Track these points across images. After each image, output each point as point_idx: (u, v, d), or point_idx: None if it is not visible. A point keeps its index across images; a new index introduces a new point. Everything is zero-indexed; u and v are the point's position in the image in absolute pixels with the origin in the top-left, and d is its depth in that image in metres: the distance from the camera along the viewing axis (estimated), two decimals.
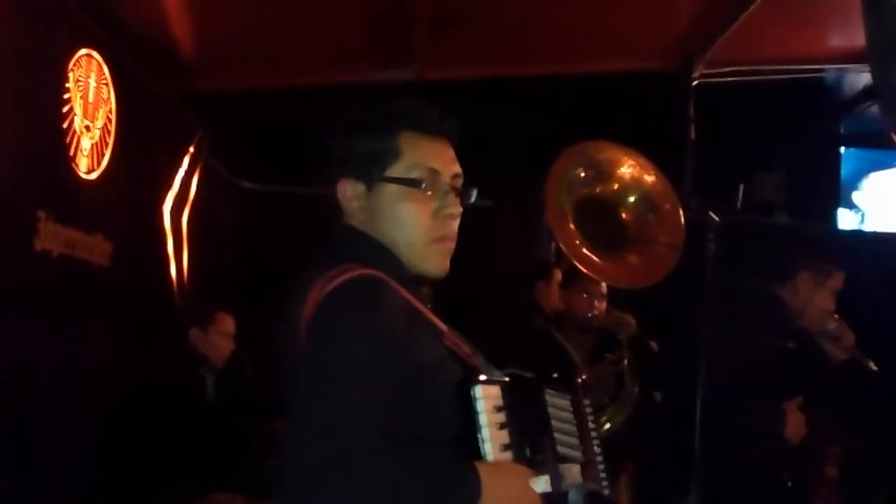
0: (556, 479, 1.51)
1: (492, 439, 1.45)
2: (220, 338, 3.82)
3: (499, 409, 1.48)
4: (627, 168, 3.08)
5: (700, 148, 4.31)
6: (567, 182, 3.01)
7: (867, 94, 4.82)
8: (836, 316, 3.02)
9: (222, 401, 3.79)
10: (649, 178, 3.07)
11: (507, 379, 1.52)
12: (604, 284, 3.36)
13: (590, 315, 3.38)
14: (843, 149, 5.64)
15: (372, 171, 1.57)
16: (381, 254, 1.55)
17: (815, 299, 2.96)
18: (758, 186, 5.19)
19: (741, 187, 4.47)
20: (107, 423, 3.52)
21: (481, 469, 1.41)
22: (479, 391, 1.45)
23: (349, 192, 1.58)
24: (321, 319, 1.42)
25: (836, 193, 5.63)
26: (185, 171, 4.72)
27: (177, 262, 4.63)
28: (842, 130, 5.63)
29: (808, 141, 5.40)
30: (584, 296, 3.40)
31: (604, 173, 3.06)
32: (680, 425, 2.53)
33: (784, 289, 2.97)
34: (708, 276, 2.55)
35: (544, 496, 1.47)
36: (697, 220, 2.76)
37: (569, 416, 1.65)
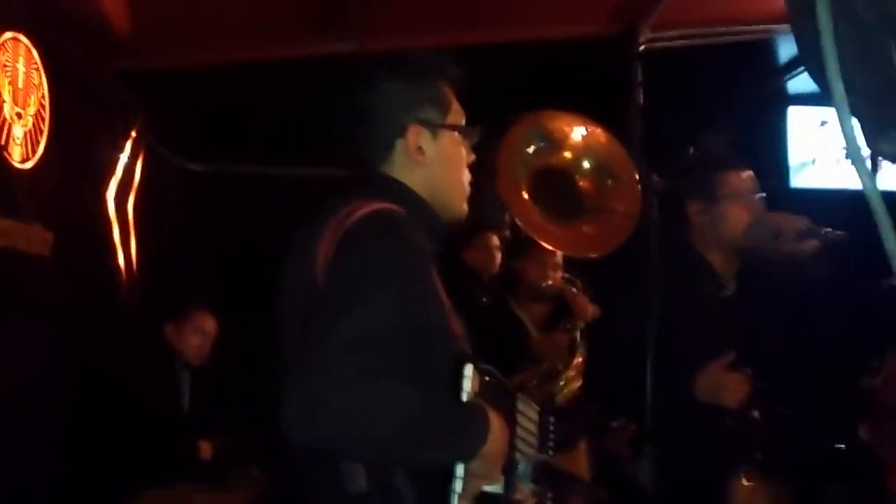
0: (508, 487, 1.53)
1: None
2: (197, 336, 3.71)
3: (476, 397, 1.48)
4: (581, 137, 3.08)
5: (647, 112, 4.30)
6: (520, 152, 3.00)
7: None
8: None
9: (199, 401, 3.70)
10: (604, 146, 3.07)
11: (489, 377, 1.54)
12: (559, 254, 3.37)
13: (544, 284, 3.39)
14: (790, 108, 5.68)
15: (437, 117, 1.65)
16: (415, 199, 1.61)
17: (730, 215, 2.56)
18: (706, 148, 5.20)
19: (690, 150, 4.48)
20: (48, 419, 3.43)
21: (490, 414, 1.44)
22: (469, 370, 1.45)
23: (418, 137, 1.63)
24: (347, 247, 1.43)
25: (785, 152, 5.67)
26: (129, 156, 4.61)
27: (124, 251, 4.53)
28: (789, 90, 5.66)
29: (755, 101, 5.42)
30: (539, 265, 3.40)
31: (557, 142, 3.06)
32: (632, 392, 2.53)
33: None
34: (652, 241, 2.54)
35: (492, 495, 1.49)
36: (643, 185, 2.74)
37: (533, 427, 1.67)
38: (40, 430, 3.37)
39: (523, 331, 3.36)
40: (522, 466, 1.58)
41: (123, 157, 4.55)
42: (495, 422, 1.44)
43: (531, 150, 3.03)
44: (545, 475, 1.58)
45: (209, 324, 3.79)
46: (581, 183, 3.06)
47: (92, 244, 4.20)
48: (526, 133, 3.04)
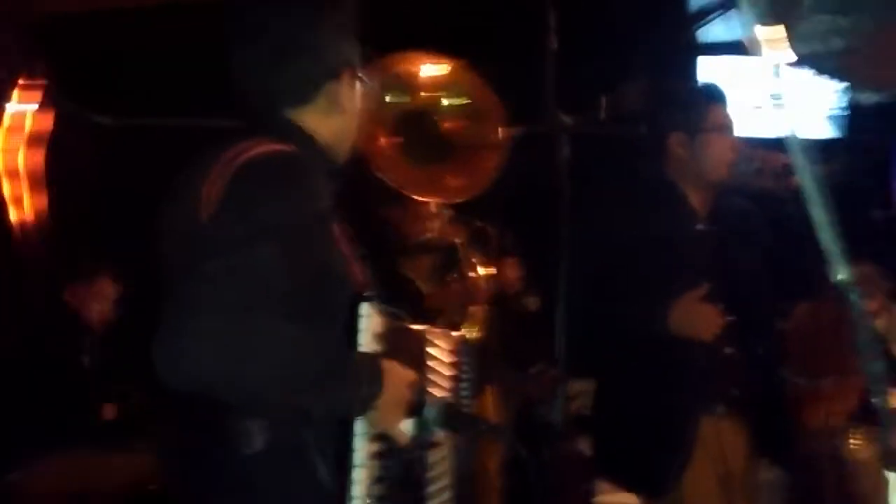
0: (422, 426, 1.49)
1: None
2: (98, 302, 3.56)
3: (379, 339, 1.43)
4: (434, 74, 2.93)
5: (560, 59, 4.27)
6: (377, 98, 2.86)
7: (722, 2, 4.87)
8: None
9: (101, 363, 3.56)
10: (461, 81, 2.93)
11: (397, 311, 1.51)
12: (433, 203, 3.19)
13: (423, 239, 3.22)
14: (700, 57, 5.72)
15: (358, 63, 1.59)
16: (314, 144, 1.54)
17: (715, 149, 2.50)
18: (620, 98, 5.22)
19: (604, 99, 4.48)
20: None
21: (383, 361, 1.39)
22: (365, 308, 1.40)
23: (349, 86, 1.56)
24: (236, 187, 1.35)
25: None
26: (19, 105, 4.37)
27: (19, 208, 4.32)
28: (699, 39, 5.71)
29: (666, 49, 5.45)
30: (412, 216, 3.20)
31: (410, 85, 2.88)
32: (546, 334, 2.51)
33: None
34: (563, 182, 2.50)
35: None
36: (550, 127, 2.70)
37: (445, 367, 1.64)
38: None
39: (411, 286, 3.19)
40: (431, 411, 1.53)
41: (12, 107, 4.31)
42: (393, 369, 1.40)
43: (388, 95, 2.88)
44: (455, 419, 1.55)
45: (110, 289, 3.67)
46: (444, 123, 2.89)
47: None
48: (380, 79, 2.89)
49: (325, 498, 1.34)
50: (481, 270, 3.23)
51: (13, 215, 4.26)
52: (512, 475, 3.56)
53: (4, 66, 4.28)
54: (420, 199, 3.03)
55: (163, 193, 1.52)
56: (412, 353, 1.56)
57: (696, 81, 5.74)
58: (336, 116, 1.56)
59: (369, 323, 1.40)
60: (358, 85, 1.60)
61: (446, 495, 1.59)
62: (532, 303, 4.00)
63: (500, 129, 2.81)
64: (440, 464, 1.58)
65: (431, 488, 1.54)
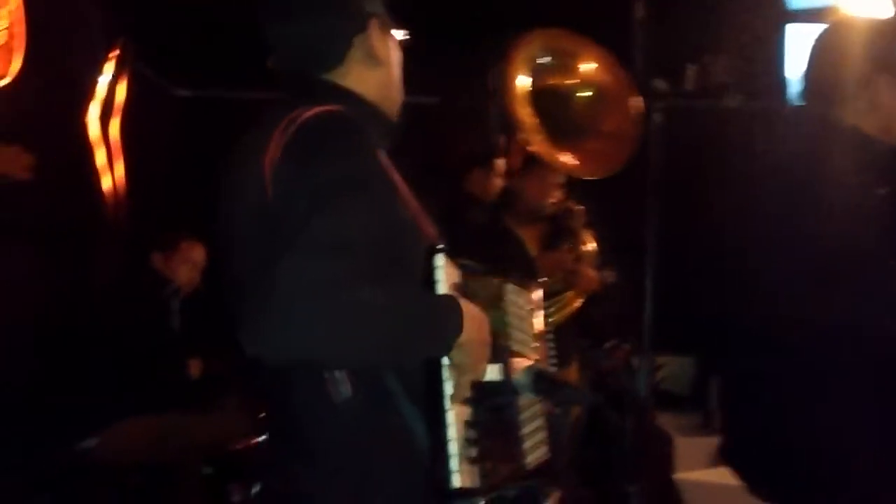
0: (506, 371, 1.46)
1: None
2: (186, 266, 3.63)
3: (456, 289, 1.41)
4: (585, 58, 3.03)
5: (649, 28, 4.18)
6: (525, 70, 2.94)
7: None
8: None
9: (189, 326, 3.64)
10: (607, 69, 3.02)
11: (470, 264, 1.47)
12: (560, 174, 3.30)
13: (543, 203, 3.32)
14: (788, 25, 5.53)
15: (384, 12, 1.56)
16: (365, 102, 1.50)
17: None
18: (708, 68, 5.07)
19: (692, 69, 4.36)
20: (33, 344, 3.38)
21: (462, 303, 1.36)
22: (440, 259, 1.37)
23: (376, 33, 1.53)
24: (296, 150, 1.33)
25: (783, 71, 5.54)
26: (111, 78, 4.46)
27: (111, 176, 4.43)
28: (787, 6, 5.52)
29: (753, 19, 5.27)
30: (539, 183, 3.33)
31: (561, 63, 3.01)
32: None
33: None
34: (654, 147, 2.45)
35: (489, 384, 1.41)
36: (644, 92, 2.66)
37: (526, 314, 1.60)
38: (26, 356, 3.32)
39: (522, 250, 3.29)
40: (522, 376, 1.50)
41: (105, 79, 4.41)
42: (471, 310, 1.37)
43: (536, 67, 2.98)
44: (548, 385, 1.51)
45: (198, 253, 3.72)
46: (584, 104, 3.01)
47: (74, 167, 4.09)
48: (535, 50, 2.98)
49: (415, 443, 1.34)
50: (590, 245, 3.27)
51: (104, 183, 4.36)
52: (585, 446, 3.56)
53: (96, 39, 4.37)
54: (550, 169, 3.11)
55: (221, 169, 1.51)
56: (491, 299, 1.53)
57: (782, 50, 5.57)
58: (374, 70, 1.53)
59: (444, 274, 1.38)
60: (390, 33, 1.57)
61: (540, 437, 1.55)
62: (608, 276, 3.97)
63: (632, 120, 2.84)
64: (532, 407, 1.55)
65: (525, 431, 1.51)
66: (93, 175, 4.28)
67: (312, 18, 1.48)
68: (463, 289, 1.42)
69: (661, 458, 3.78)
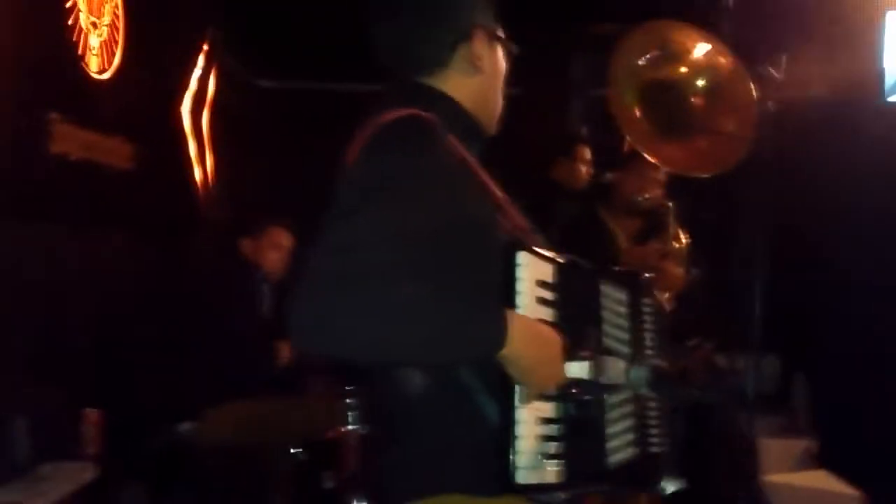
0: (595, 369, 1.42)
1: (528, 312, 1.34)
2: (275, 251, 3.71)
3: (545, 286, 1.38)
4: (698, 50, 2.93)
5: (736, 16, 4.08)
6: (632, 62, 2.88)
7: None
8: None
9: (278, 312, 3.69)
10: (724, 66, 2.92)
11: (562, 260, 1.42)
12: (661, 171, 3.24)
13: (640, 198, 3.27)
14: (889, 12, 5.30)
15: (493, 24, 1.56)
16: (457, 110, 1.51)
17: None
18: (797, 59, 4.91)
19: (783, 58, 4.25)
20: (130, 330, 3.48)
21: (514, 317, 1.30)
22: (522, 257, 1.34)
23: (481, 43, 1.53)
24: (367, 150, 1.35)
25: (881, 63, 5.33)
26: (201, 70, 4.58)
27: (202, 167, 4.55)
28: None
29: (850, 7, 5.08)
30: (638, 177, 3.27)
31: (674, 55, 2.91)
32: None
33: None
34: (766, 134, 2.38)
35: (577, 382, 1.38)
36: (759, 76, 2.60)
37: (623, 310, 1.55)
38: (122, 342, 3.43)
39: (613, 241, 3.25)
40: (639, 372, 1.47)
41: (196, 72, 4.53)
42: (530, 327, 1.32)
43: (644, 61, 2.90)
44: (664, 382, 1.49)
45: (286, 238, 3.78)
46: (693, 100, 2.93)
47: (170, 158, 4.22)
48: (640, 43, 2.91)
49: (491, 437, 1.31)
50: (682, 242, 3.21)
51: (196, 173, 4.48)
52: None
53: (189, 33, 4.48)
54: (650, 164, 3.05)
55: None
56: (586, 295, 1.49)
57: (881, 42, 5.36)
58: (474, 78, 1.53)
59: (527, 272, 1.34)
60: (497, 45, 1.56)
61: (628, 438, 1.52)
62: (694, 274, 3.91)
63: (746, 118, 2.75)
64: (620, 406, 1.51)
65: (611, 430, 1.47)
66: (186, 166, 4.41)
67: (418, 22, 1.50)
68: (555, 286, 1.39)
69: (745, 460, 3.71)
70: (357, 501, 2.90)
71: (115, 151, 3.43)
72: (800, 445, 4.17)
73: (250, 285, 3.59)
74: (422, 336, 1.23)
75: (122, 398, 3.26)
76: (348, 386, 3.62)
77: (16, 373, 2.09)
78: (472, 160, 1.46)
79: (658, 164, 3.05)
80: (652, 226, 3.30)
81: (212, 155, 4.66)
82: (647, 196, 3.22)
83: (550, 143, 4.36)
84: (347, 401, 3.44)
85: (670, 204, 3.22)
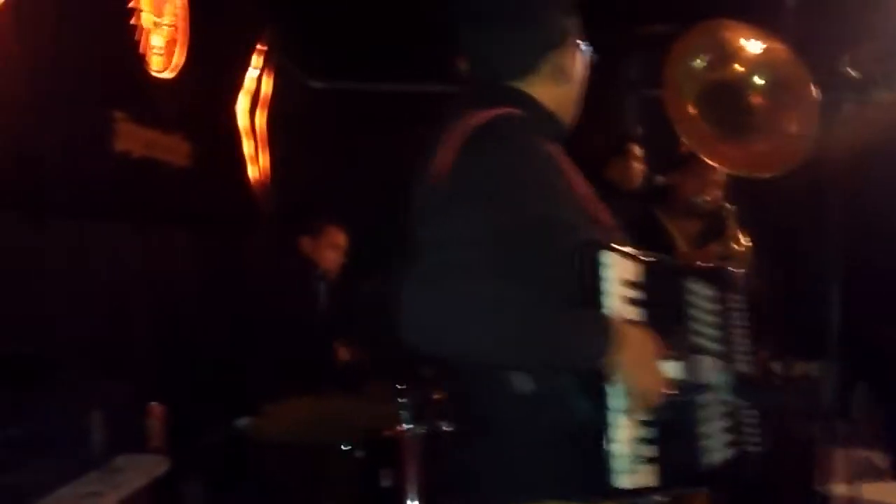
0: (687, 369, 1.41)
1: (615, 313, 1.33)
2: (332, 250, 3.75)
3: (631, 285, 1.37)
4: (757, 50, 2.88)
5: (798, 15, 4.01)
6: (688, 63, 2.85)
7: None
8: None
9: (334, 309, 3.72)
10: (782, 63, 2.87)
11: (647, 258, 1.42)
12: (720, 172, 3.19)
13: (700, 200, 3.22)
14: None
15: (580, 33, 1.59)
16: (544, 111, 1.53)
17: None
18: (859, 57, 4.81)
19: (846, 57, 4.16)
20: (189, 324, 3.52)
21: (619, 324, 1.32)
22: (606, 257, 1.33)
23: (572, 54, 1.56)
24: (467, 152, 1.36)
25: None
26: (258, 70, 4.62)
27: (257, 166, 4.59)
28: None
29: None
30: (697, 179, 3.22)
31: (729, 55, 2.87)
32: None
33: None
34: (840, 139, 2.32)
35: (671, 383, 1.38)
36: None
37: (711, 307, 1.53)
38: (183, 338, 3.47)
39: (672, 244, 3.20)
40: (721, 378, 1.45)
41: (253, 72, 4.57)
42: (632, 334, 1.32)
43: (701, 62, 2.87)
44: (748, 388, 1.46)
45: (341, 238, 3.82)
46: (753, 99, 2.88)
47: (226, 156, 4.26)
48: (696, 43, 2.88)
49: (588, 441, 1.31)
50: (744, 243, 3.16)
51: (251, 172, 4.52)
52: None
53: (246, 33, 4.52)
54: (709, 166, 3.02)
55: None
56: (672, 293, 1.47)
57: None
58: (560, 85, 1.55)
59: (613, 272, 1.34)
60: (580, 53, 1.58)
61: (722, 439, 1.49)
62: (756, 278, 3.84)
63: (811, 118, 2.69)
64: (713, 407, 1.49)
65: (703, 431, 1.46)
66: (242, 164, 4.45)
67: (512, 28, 1.51)
68: (642, 285, 1.38)
69: (805, 470, 3.62)
70: (413, 501, 2.90)
71: (174, 149, 3.47)
72: (861, 456, 4.08)
73: (309, 283, 3.61)
74: (530, 340, 1.27)
75: (183, 393, 3.30)
76: (403, 385, 3.64)
77: (88, 367, 2.12)
78: (565, 160, 1.48)
79: (716, 166, 3.00)
80: (711, 228, 3.25)
81: (266, 154, 4.69)
82: (706, 198, 3.17)
83: (604, 144, 4.32)
84: (403, 399, 3.46)
85: (730, 206, 3.17)
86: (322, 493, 3.29)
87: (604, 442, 1.28)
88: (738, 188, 3.22)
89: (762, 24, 3.23)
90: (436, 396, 3.53)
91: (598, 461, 1.28)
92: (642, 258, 1.41)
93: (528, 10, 1.53)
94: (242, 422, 3.36)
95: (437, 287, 1.24)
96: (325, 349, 3.48)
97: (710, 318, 1.53)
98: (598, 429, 1.30)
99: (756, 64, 2.83)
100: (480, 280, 1.24)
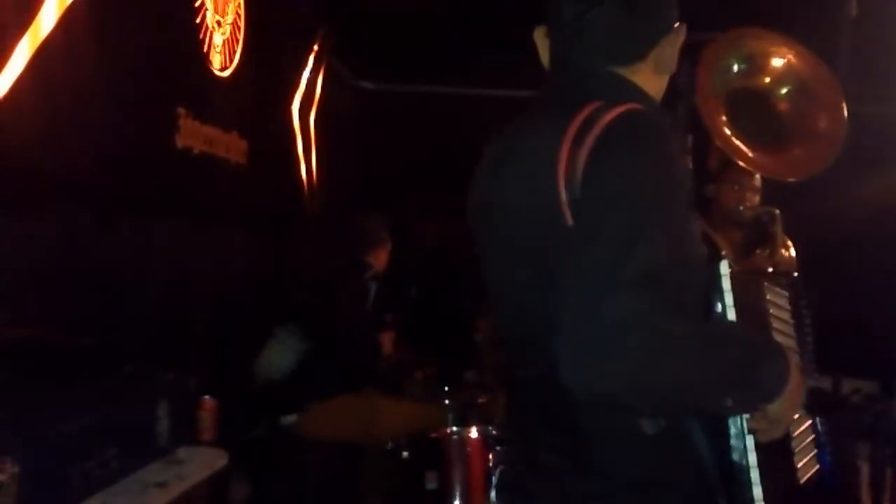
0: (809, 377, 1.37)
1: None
2: (385, 251, 3.77)
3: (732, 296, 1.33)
4: (784, 61, 2.89)
5: (855, 29, 3.96)
6: (720, 71, 2.84)
7: None
8: None
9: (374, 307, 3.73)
10: (808, 70, 2.87)
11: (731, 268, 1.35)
12: (757, 177, 3.19)
13: (741, 208, 3.21)
14: None
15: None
16: (656, 105, 1.38)
17: None
18: None
19: None
20: (241, 319, 3.55)
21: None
22: (725, 266, 1.29)
23: (676, 44, 1.40)
24: (605, 157, 1.20)
25: None
26: (311, 71, 4.66)
27: (306, 164, 4.63)
28: None
29: None
30: (735, 188, 3.22)
31: (758, 66, 2.87)
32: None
33: None
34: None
35: None
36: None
37: (786, 314, 1.51)
38: (232, 334, 3.51)
39: (719, 255, 3.18)
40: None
41: (306, 72, 4.61)
42: (793, 359, 1.25)
43: (732, 69, 2.87)
44: (820, 401, 1.45)
45: (390, 239, 3.85)
46: (780, 106, 2.89)
47: (280, 155, 4.30)
48: (728, 51, 2.87)
49: (705, 474, 1.28)
50: (791, 249, 3.13)
51: (302, 171, 4.56)
52: None
53: (300, 33, 4.57)
54: (746, 173, 3.01)
55: (479, 165, 1.43)
56: (755, 305, 1.42)
57: None
58: (661, 75, 1.40)
59: (730, 282, 1.28)
60: (679, 43, 1.42)
61: (811, 452, 1.49)
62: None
63: (839, 121, 2.70)
64: (799, 421, 1.47)
65: (796, 446, 1.45)
66: (293, 164, 4.49)
67: (627, 8, 1.34)
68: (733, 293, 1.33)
69: (849, 489, 3.55)
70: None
71: (232, 146, 3.52)
72: None
73: (361, 283, 3.64)
74: (716, 381, 1.17)
75: (233, 388, 3.34)
76: (447, 387, 3.65)
77: (151, 359, 2.16)
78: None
79: (754, 172, 2.99)
80: (755, 235, 3.22)
81: (317, 153, 4.73)
82: (747, 205, 3.17)
83: None
84: (447, 402, 3.47)
85: (776, 211, 3.15)
86: (366, 494, 3.32)
87: (747, 484, 1.25)
88: (790, 194, 3.20)
89: (820, 35, 3.21)
90: (480, 400, 3.55)
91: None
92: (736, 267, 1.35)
93: None
94: (289, 419, 3.39)
95: (620, 331, 1.10)
96: (373, 349, 3.51)
97: (787, 327, 1.51)
98: (740, 470, 1.26)
99: (781, 74, 2.84)
100: (666, 315, 1.11)
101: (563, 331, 1.13)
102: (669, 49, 1.39)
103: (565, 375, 1.12)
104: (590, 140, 1.21)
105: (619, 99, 1.26)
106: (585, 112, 1.24)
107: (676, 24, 1.39)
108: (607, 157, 1.20)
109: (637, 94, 1.34)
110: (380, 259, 3.69)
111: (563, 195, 1.21)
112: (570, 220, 1.21)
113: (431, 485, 2.98)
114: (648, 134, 1.24)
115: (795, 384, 1.24)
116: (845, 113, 2.79)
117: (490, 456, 2.92)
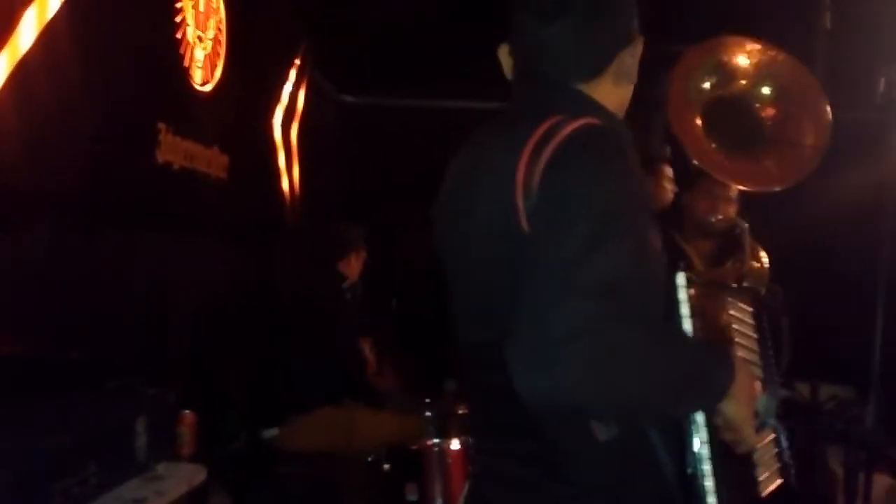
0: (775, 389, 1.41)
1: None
2: (359, 262, 3.80)
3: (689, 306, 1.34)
4: (758, 62, 2.89)
5: (833, 36, 4.00)
6: (692, 81, 2.85)
7: None
8: None
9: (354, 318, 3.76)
10: (787, 71, 2.87)
11: (694, 276, 1.37)
12: (732, 188, 3.19)
13: (713, 219, 3.20)
14: None
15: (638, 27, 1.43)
16: (617, 120, 1.39)
17: None
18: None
19: (881, 80, 4.15)
20: (219, 333, 3.56)
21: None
22: (682, 278, 1.30)
23: (636, 54, 1.41)
24: (561, 169, 1.21)
25: None
26: (293, 85, 4.68)
27: (288, 178, 4.64)
28: None
29: None
30: (709, 198, 3.21)
31: (731, 72, 2.88)
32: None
33: None
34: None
35: None
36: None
37: (749, 327, 1.54)
38: (213, 347, 3.51)
39: (690, 266, 3.19)
40: (766, 402, 1.43)
41: (288, 86, 4.63)
42: (738, 359, 1.29)
43: (705, 80, 2.88)
44: (790, 410, 1.47)
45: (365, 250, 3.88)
46: (762, 112, 2.89)
47: (261, 169, 4.31)
48: (699, 63, 2.88)
49: (666, 481, 1.29)
50: (763, 260, 3.14)
51: (284, 184, 4.57)
52: None
53: (282, 48, 4.58)
54: (719, 183, 3.01)
55: (443, 177, 1.45)
56: (716, 318, 1.45)
57: None
58: (622, 87, 1.41)
59: (686, 293, 1.30)
60: (638, 52, 1.43)
61: (773, 465, 1.51)
62: (775, 294, 3.82)
63: (822, 127, 2.69)
64: (767, 445, 1.50)
65: (756, 457, 1.47)
66: (275, 177, 4.50)
67: (585, 23, 1.35)
68: (694, 306, 1.35)
69: (825, 496, 3.58)
70: None
71: (213, 161, 3.53)
72: (884, 482, 4.04)
73: (338, 295, 3.65)
74: (667, 387, 1.19)
75: (213, 401, 3.34)
76: (427, 398, 3.66)
77: (131, 373, 2.17)
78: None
79: (727, 182, 2.97)
80: (726, 246, 3.22)
81: (298, 166, 4.75)
82: (719, 216, 3.14)
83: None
84: (428, 413, 3.48)
85: (746, 224, 3.14)
86: None
87: (702, 494, 1.27)
88: (765, 200, 3.21)
89: (797, 45, 3.24)
90: (461, 411, 3.56)
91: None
92: (688, 277, 1.36)
93: (607, 4, 1.38)
94: (270, 432, 3.39)
95: (573, 340, 1.10)
96: (353, 361, 3.52)
97: (749, 341, 1.53)
98: (696, 478, 1.27)
99: (758, 75, 2.83)
100: (627, 325, 1.13)
101: (514, 341, 1.15)
102: (629, 60, 1.40)
103: (516, 385, 1.14)
104: (547, 152, 1.23)
105: (578, 113, 1.28)
106: (545, 125, 1.25)
107: (635, 35, 1.41)
108: (563, 168, 1.22)
109: (595, 108, 1.36)
110: (351, 267, 3.70)
111: (521, 204, 1.23)
112: (526, 227, 1.23)
113: (412, 496, 2.99)
114: (605, 146, 1.25)
115: (742, 382, 1.27)
116: (829, 115, 2.78)
117: (471, 467, 2.94)
